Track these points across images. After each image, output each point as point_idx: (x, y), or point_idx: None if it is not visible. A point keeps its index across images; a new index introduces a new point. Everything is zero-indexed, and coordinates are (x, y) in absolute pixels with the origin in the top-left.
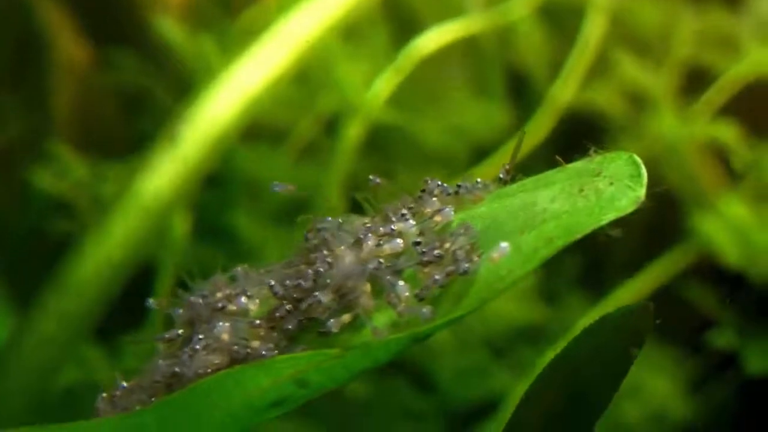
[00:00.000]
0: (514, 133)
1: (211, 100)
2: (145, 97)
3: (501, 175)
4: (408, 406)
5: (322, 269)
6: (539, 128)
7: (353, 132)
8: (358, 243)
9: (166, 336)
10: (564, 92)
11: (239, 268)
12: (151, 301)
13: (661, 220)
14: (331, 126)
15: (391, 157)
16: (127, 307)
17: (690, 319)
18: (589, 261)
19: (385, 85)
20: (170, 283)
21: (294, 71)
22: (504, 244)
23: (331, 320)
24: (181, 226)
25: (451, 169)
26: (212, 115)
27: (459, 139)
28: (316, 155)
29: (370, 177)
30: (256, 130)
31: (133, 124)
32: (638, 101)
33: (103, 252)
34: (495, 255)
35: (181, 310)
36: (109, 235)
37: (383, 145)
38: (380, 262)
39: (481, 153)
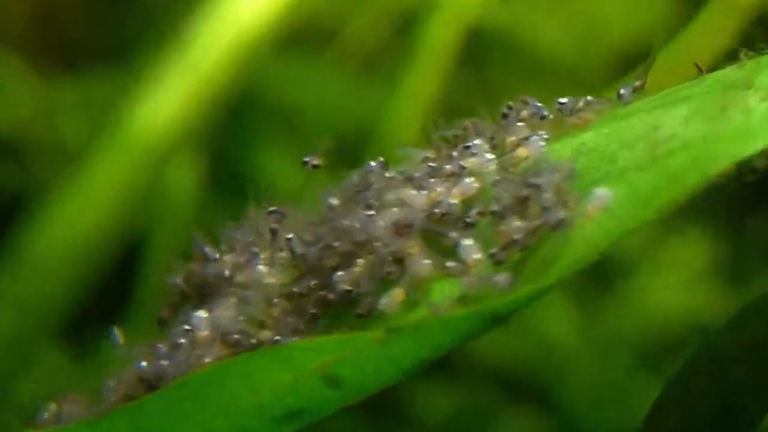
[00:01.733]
0: (675, 33)
1: None
2: None
3: (622, 91)
4: None
5: (359, 224)
6: (713, 32)
7: (439, 37)
8: (413, 187)
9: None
10: None
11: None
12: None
13: None
14: (405, 28)
15: (498, 73)
16: (108, 291)
17: None
18: None
19: None
20: (169, 255)
21: None
22: (602, 192)
23: (383, 298)
24: (189, 173)
25: (583, 87)
26: (239, 11)
27: (595, 45)
28: (382, 69)
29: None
30: (292, 32)
31: (109, 26)
32: None
33: (77, 216)
34: (590, 208)
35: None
36: (87, 190)
37: (486, 57)
38: (447, 210)
39: (627, 63)
